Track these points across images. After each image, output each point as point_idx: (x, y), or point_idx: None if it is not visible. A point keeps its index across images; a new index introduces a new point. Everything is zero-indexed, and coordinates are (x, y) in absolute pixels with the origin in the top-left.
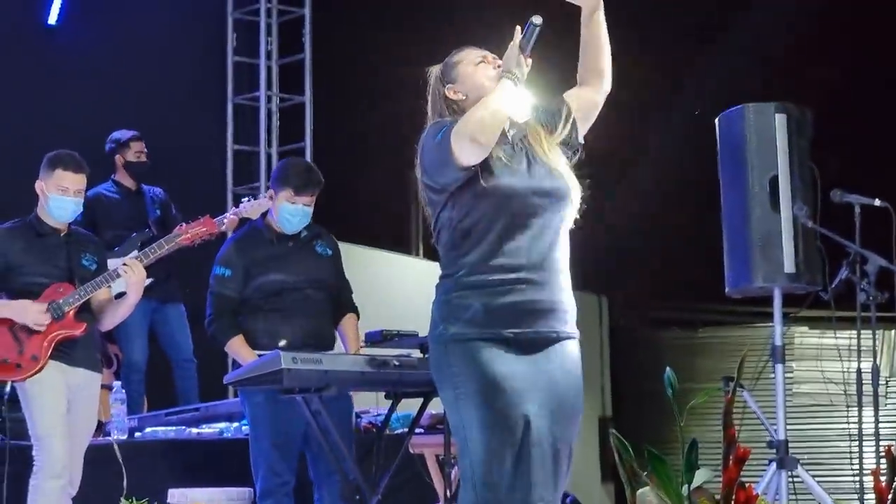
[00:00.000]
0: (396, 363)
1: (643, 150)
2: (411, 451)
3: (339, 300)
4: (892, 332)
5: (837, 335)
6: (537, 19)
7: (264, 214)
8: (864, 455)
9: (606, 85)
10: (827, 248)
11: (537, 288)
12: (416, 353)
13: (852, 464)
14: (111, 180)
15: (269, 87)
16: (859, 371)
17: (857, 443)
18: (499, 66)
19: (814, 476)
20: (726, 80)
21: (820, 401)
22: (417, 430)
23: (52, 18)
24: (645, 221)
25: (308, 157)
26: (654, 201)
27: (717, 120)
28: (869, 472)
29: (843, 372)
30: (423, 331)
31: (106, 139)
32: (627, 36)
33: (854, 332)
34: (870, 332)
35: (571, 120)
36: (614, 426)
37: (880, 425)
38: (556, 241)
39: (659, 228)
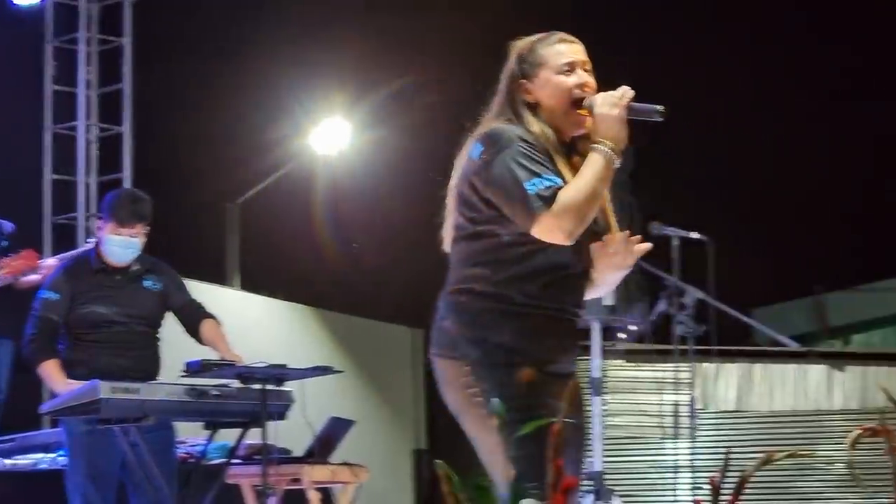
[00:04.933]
0: (216, 393)
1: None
2: (228, 481)
3: (192, 312)
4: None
5: (655, 368)
6: (662, 114)
7: (97, 244)
8: (681, 485)
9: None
10: (646, 281)
11: (569, 329)
12: (236, 383)
13: (675, 494)
14: None
15: (88, 116)
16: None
17: (673, 473)
18: (589, 89)
19: None
20: None
21: (633, 433)
22: (235, 461)
23: None
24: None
25: (127, 187)
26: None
27: None
28: (691, 502)
29: (659, 404)
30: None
31: None
32: None
33: (671, 364)
34: (686, 364)
35: None
36: (429, 458)
37: (696, 456)
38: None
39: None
